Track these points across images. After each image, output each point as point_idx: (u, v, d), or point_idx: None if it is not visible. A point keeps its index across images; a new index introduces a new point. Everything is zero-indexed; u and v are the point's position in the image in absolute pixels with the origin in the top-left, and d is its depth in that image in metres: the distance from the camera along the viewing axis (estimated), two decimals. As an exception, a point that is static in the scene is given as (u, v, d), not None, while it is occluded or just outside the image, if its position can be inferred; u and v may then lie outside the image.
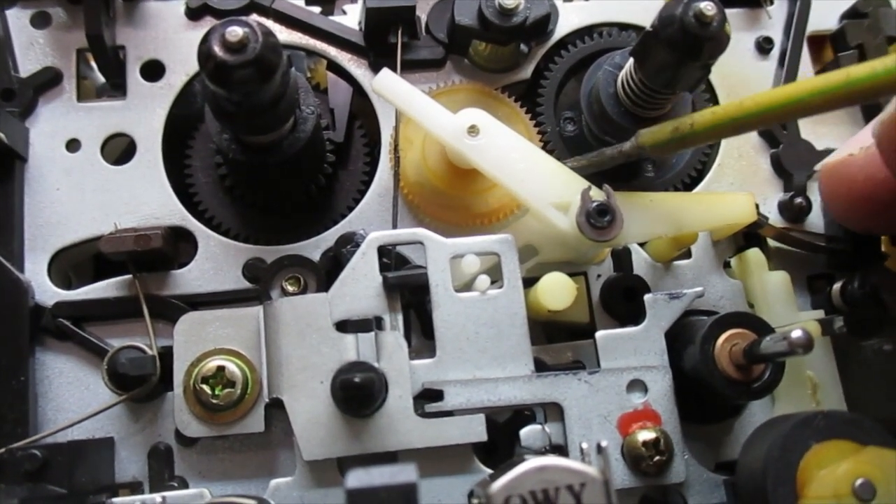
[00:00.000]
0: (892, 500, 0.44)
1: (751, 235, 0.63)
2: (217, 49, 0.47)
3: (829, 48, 0.72)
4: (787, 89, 0.42)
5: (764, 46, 0.70)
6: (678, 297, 0.56)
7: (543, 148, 0.63)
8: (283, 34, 0.66)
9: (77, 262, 0.64)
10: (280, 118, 0.53)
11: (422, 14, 0.66)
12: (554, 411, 0.54)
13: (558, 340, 0.60)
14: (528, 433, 0.53)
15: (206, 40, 0.47)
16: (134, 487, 0.56)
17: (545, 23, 0.64)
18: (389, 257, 0.57)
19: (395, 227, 0.60)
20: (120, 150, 0.65)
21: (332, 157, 0.63)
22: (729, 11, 0.53)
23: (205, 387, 0.53)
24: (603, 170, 0.58)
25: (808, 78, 0.44)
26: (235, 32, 0.46)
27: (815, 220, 0.65)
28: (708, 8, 0.50)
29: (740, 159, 0.67)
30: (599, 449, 0.51)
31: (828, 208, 0.62)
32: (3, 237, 0.59)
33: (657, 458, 0.52)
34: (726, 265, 0.63)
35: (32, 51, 0.64)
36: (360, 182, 0.65)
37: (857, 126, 0.68)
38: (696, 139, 0.48)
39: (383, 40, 0.65)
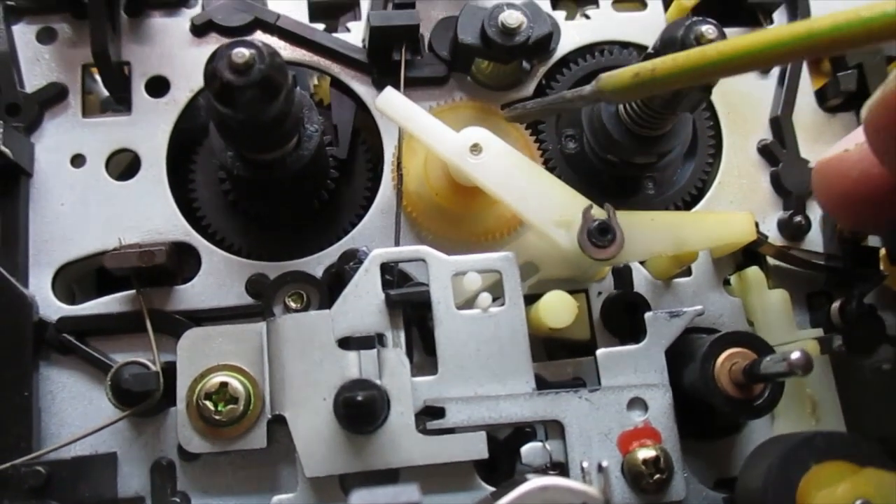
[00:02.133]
0: (891, 520, 0.45)
1: (750, 253, 0.64)
2: (223, 70, 0.47)
3: (828, 67, 0.72)
4: (749, 38, 0.42)
5: (764, 65, 0.70)
6: (678, 314, 0.57)
7: (545, 166, 0.64)
8: (287, 51, 0.66)
9: (80, 277, 0.64)
10: (284, 136, 0.54)
11: (425, 32, 0.67)
12: (555, 429, 0.54)
13: (559, 357, 0.60)
14: (528, 450, 0.53)
15: (212, 61, 0.48)
16: (136, 503, 0.56)
17: (547, 41, 0.65)
18: (392, 274, 0.57)
19: (397, 244, 0.61)
20: (124, 165, 0.65)
21: (335, 174, 0.64)
22: (729, 30, 0.54)
23: (208, 402, 0.53)
24: (563, 112, 0.58)
25: (770, 27, 0.43)
26: (242, 54, 0.47)
27: (815, 239, 0.65)
28: (709, 31, 0.50)
29: (740, 178, 0.67)
30: (600, 468, 0.52)
31: (820, 205, 0.62)
32: (7, 252, 0.59)
33: (657, 476, 0.52)
34: (726, 283, 0.64)
35: (38, 66, 0.65)
36: (362, 198, 0.65)
37: (856, 144, 0.68)
38: (657, 85, 0.47)
39: (387, 57, 0.65)
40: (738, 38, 0.43)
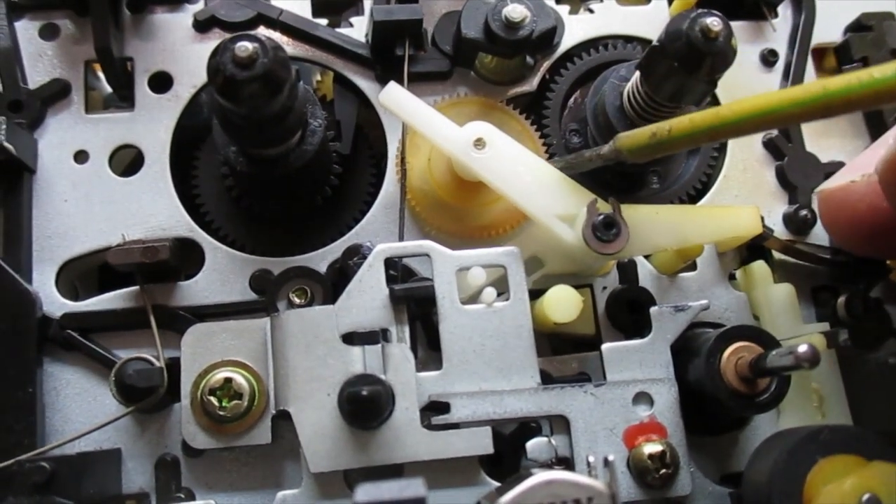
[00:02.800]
0: (899, 515, 0.45)
1: (756, 248, 0.63)
2: (227, 64, 0.47)
3: (834, 60, 0.72)
4: (763, 99, 0.43)
5: (769, 59, 0.70)
6: (683, 309, 0.56)
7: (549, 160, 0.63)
8: (290, 46, 0.66)
9: (83, 273, 0.64)
10: (288, 131, 0.54)
11: (428, 27, 0.67)
12: (560, 424, 0.54)
13: (564, 352, 0.60)
14: (534, 445, 0.53)
15: (215, 55, 0.48)
16: (141, 499, 0.56)
17: (551, 36, 0.65)
18: (396, 269, 0.57)
19: (401, 239, 0.60)
20: (127, 161, 0.65)
21: (338, 169, 0.63)
22: (734, 24, 0.54)
23: (212, 398, 0.53)
24: (583, 171, 0.58)
25: (785, 88, 0.44)
26: (245, 48, 0.47)
27: (820, 233, 0.65)
28: (714, 23, 0.50)
29: (745, 172, 0.67)
30: (606, 462, 0.51)
31: (828, 232, 0.62)
32: (11, 248, 0.59)
33: (663, 470, 0.52)
34: (731, 277, 0.63)
35: (41, 62, 0.65)
36: (366, 194, 0.65)
37: (861, 139, 0.68)
38: (673, 145, 0.48)
39: (390, 53, 0.65)
40: (752, 99, 0.43)
